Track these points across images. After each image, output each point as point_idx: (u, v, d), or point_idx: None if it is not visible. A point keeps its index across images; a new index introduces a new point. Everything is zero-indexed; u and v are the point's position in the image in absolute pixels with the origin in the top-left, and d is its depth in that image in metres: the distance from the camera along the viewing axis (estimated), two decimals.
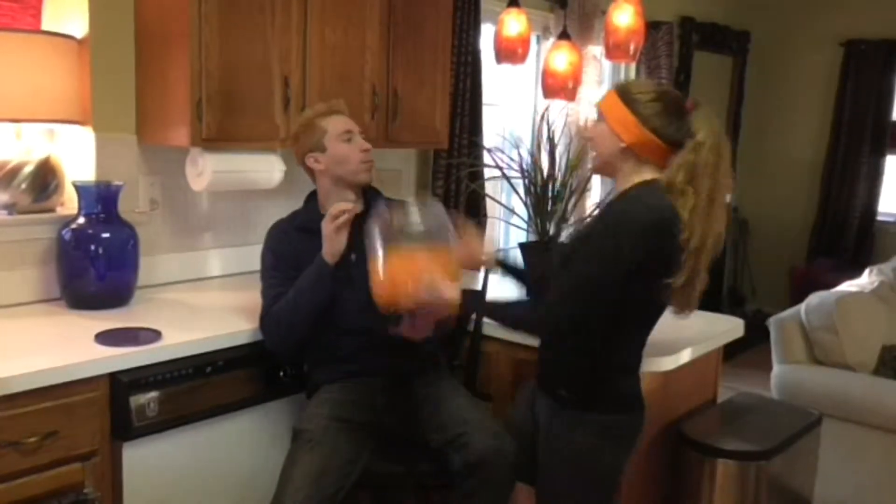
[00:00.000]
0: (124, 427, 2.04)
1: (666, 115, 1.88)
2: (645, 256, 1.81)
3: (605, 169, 2.02)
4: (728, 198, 1.89)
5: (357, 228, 2.25)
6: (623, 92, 1.93)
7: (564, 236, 2.94)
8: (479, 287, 2.65)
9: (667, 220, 1.81)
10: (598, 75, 4.57)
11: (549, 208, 2.95)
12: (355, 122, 2.43)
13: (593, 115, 2.09)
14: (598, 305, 1.85)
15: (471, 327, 2.59)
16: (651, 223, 1.81)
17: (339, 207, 2.24)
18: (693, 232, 1.80)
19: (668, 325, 1.94)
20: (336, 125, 2.36)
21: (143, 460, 2.09)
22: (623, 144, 1.91)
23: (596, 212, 2.09)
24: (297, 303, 2.24)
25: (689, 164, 1.82)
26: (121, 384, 2.02)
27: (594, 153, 2.01)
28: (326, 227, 2.23)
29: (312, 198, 2.45)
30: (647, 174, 1.92)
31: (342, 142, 2.34)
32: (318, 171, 2.37)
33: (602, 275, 1.82)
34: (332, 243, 2.23)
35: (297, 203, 2.48)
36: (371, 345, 2.30)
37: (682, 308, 1.93)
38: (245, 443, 2.31)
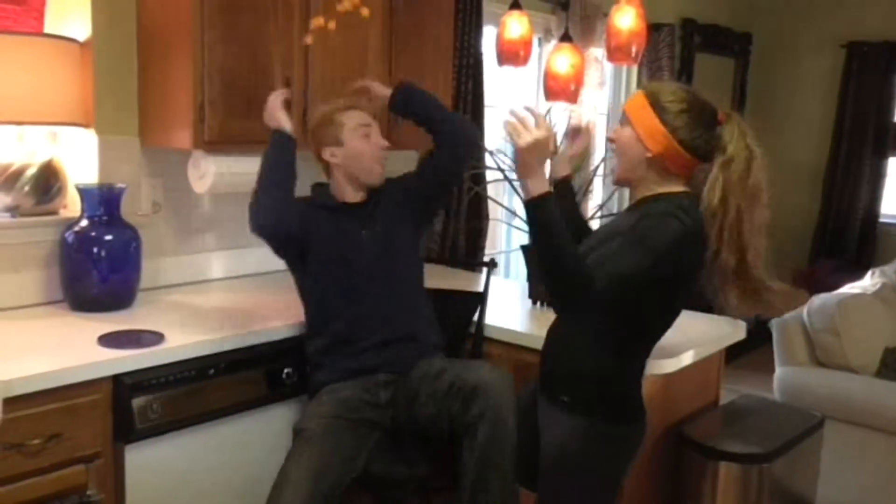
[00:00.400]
0: (127, 429, 2.04)
1: (696, 126, 1.81)
2: (686, 268, 1.80)
3: (628, 176, 1.93)
4: (765, 219, 1.82)
5: (369, 208, 2.39)
6: (653, 97, 1.85)
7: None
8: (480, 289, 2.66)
9: (699, 235, 1.78)
10: (600, 77, 4.58)
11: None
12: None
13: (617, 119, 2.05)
14: (624, 306, 1.82)
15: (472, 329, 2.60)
16: (693, 237, 1.78)
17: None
18: (720, 247, 1.77)
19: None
20: (353, 119, 2.38)
21: (145, 462, 2.10)
22: (649, 154, 1.84)
23: (618, 219, 2.00)
24: (268, 171, 2.33)
25: (719, 182, 1.76)
26: (123, 386, 2.03)
27: (617, 159, 1.93)
28: (271, 100, 2.35)
29: (319, 186, 2.48)
30: (674, 185, 1.86)
31: (359, 137, 2.37)
32: (333, 165, 2.39)
33: (637, 275, 1.77)
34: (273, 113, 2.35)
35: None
36: (374, 341, 2.31)
37: (751, 310, 1.90)
38: (247, 445, 2.31)
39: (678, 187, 1.87)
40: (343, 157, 2.37)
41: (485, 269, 2.74)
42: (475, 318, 2.60)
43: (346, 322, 2.32)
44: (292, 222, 2.32)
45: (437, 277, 2.87)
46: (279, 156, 2.32)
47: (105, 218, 2.46)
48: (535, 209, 1.79)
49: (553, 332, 2.05)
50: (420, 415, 2.20)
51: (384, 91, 2.48)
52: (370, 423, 2.26)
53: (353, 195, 2.41)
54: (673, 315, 1.92)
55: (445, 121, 2.45)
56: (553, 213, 1.78)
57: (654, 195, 1.88)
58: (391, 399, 2.29)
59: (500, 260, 4.48)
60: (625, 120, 1.90)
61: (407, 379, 2.28)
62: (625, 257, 1.77)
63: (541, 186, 1.79)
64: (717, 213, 1.77)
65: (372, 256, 2.35)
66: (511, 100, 4.42)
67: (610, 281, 1.75)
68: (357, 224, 2.37)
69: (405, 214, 2.44)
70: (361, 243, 2.35)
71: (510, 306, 2.87)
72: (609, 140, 2.00)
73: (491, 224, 3.95)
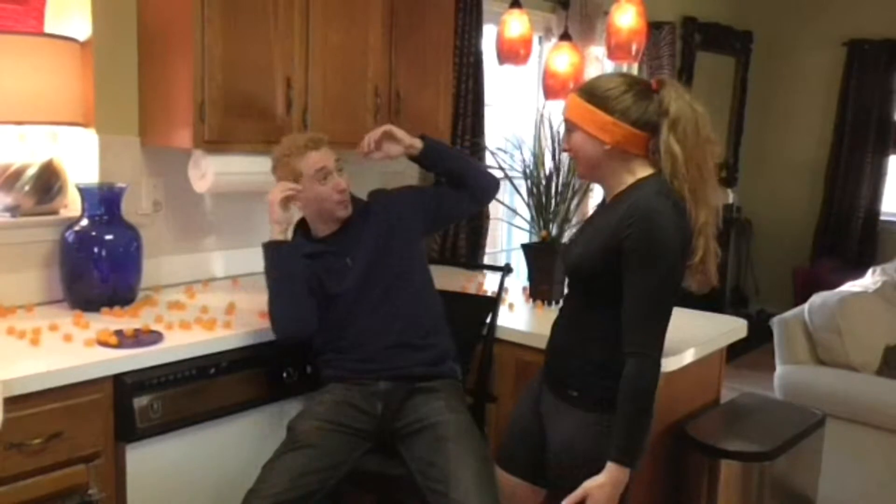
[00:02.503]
0: (128, 428, 2.04)
1: (639, 101, 1.86)
2: (682, 246, 1.84)
3: (594, 174, 1.98)
4: (717, 159, 1.89)
5: (350, 232, 2.35)
6: (588, 94, 1.90)
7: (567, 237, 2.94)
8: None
9: (683, 211, 1.82)
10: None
11: (551, 209, 2.94)
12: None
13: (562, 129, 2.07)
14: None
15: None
16: (678, 223, 1.81)
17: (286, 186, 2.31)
18: (698, 211, 1.82)
19: (671, 325, 1.93)
20: (309, 165, 2.33)
21: (146, 462, 2.10)
22: (607, 147, 1.88)
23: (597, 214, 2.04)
24: (274, 285, 2.29)
25: (671, 147, 1.81)
26: (124, 386, 2.03)
27: (578, 163, 1.98)
28: (273, 195, 2.29)
29: (302, 225, 2.47)
30: (640, 169, 1.90)
31: (317, 182, 2.32)
32: (298, 207, 2.39)
33: (668, 287, 1.82)
34: (275, 212, 2.29)
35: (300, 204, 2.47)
36: (375, 346, 2.31)
37: (703, 284, 1.92)
38: (248, 444, 2.31)
39: (645, 170, 1.90)
40: (304, 201, 2.35)
41: (500, 274, 2.72)
42: (487, 320, 2.59)
43: (349, 341, 2.33)
44: (312, 320, 2.32)
45: (445, 278, 2.87)
46: (279, 270, 2.29)
47: (105, 217, 2.46)
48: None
49: (559, 327, 2.05)
50: (401, 455, 2.22)
51: (408, 139, 2.44)
52: (362, 433, 2.25)
53: (326, 229, 2.40)
54: (676, 296, 1.91)
55: (477, 177, 2.52)
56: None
57: (627, 188, 1.90)
58: (384, 412, 2.27)
59: (501, 259, 4.48)
60: (570, 127, 1.94)
61: (402, 410, 2.26)
62: (643, 277, 1.80)
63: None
64: (682, 177, 1.81)
65: (361, 280, 2.33)
66: (511, 98, 4.43)
67: (659, 318, 1.83)
68: (340, 255, 2.36)
69: (408, 226, 2.42)
70: (346, 273, 2.34)
71: (512, 305, 2.87)
72: (564, 150, 2.06)
73: (492, 223, 3.95)
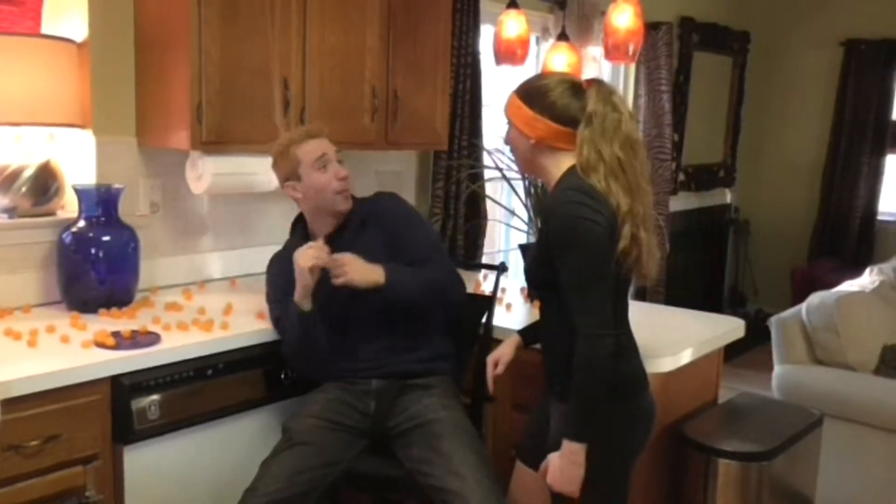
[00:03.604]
0: (125, 430, 2.04)
1: (562, 98, 1.94)
2: (607, 232, 1.87)
3: (529, 169, 2.11)
4: (643, 159, 1.95)
5: (347, 235, 2.33)
6: (523, 94, 1.99)
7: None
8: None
9: (597, 195, 1.87)
10: (598, 76, 4.57)
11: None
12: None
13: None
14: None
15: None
16: (592, 205, 1.85)
17: (311, 259, 2.16)
18: (618, 199, 1.87)
19: (668, 325, 1.94)
20: (308, 152, 2.29)
21: (144, 463, 2.09)
22: (532, 141, 1.97)
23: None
24: (297, 344, 2.26)
25: (588, 138, 1.89)
26: (122, 387, 2.03)
27: (515, 158, 2.11)
28: (303, 260, 2.16)
29: (300, 223, 2.44)
30: (565, 162, 1.96)
31: (317, 170, 2.28)
32: (297, 200, 2.36)
33: (596, 263, 1.86)
34: (303, 277, 2.17)
35: (296, 206, 2.47)
36: (369, 347, 2.32)
37: (639, 277, 1.98)
38: (246, 445, 2.31)
39: (568, 161, 1.96)
40: (304, 191, 2.31)
41: (495, 273, 2.72)
42: (483, 320, 2.59)
43: (342, 342, 2.32)
44: (325, 363, 2.31)
45: None
46: (306, 334, 2.24)
47: (103, 219, 2.46)
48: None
49: (541, 327, 2.12)
50: (398, 457, 2.23)
51: (366, 283, 2.22)
52: (358, 431, 2.26)
53: (324, 226, 2.36)
54: (610, 273, 1.92)
55: (445, 293, 2.34)
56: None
57: (560, 178, 1.96)
58: (377, 410, 2.28)
59: (499, 259, 4.48)
60: (508, 124, 2.04)
61: (404, 409, 2.25)
62: (570, 263, 1.86)
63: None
64: (598, 167, 1.88)
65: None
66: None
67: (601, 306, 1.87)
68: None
69: (402, 249, 2.35)
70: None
71: (510, 305, 2.87)
72: (505, 144, 2.14)
73: (490, 224, 3.95)
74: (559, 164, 1.98)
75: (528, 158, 2.03)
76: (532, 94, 1.98)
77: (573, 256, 1.86)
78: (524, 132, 1.98)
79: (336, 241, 2.31)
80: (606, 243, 1.86)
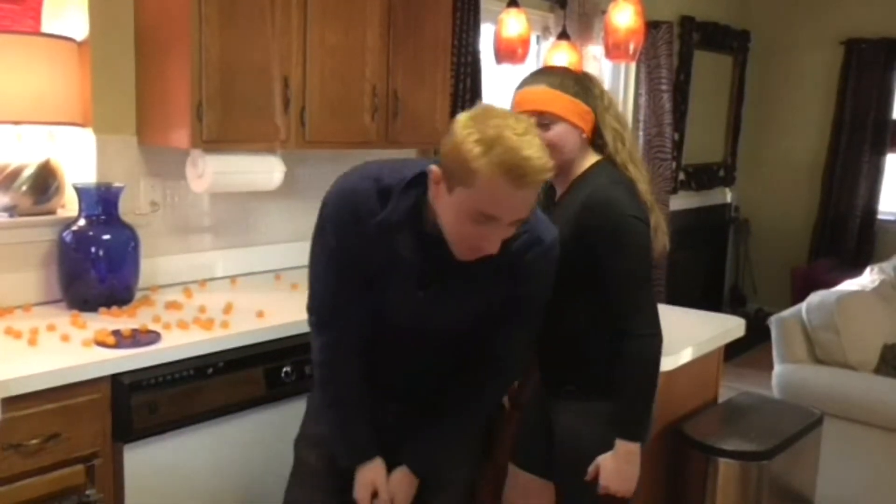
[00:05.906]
0: (126, 429, 2.04)
1: (584, 88, 1.96)
2: (651, 236, 1.91)
3: (566, 168, 1.94)
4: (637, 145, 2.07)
5: (434, 258, 1.71)
6: (561, 87, 1.94)
7: None
8: None
9: (635, 191, 1.91)
10: (598, 75, 4.58)
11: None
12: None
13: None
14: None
15: None
16: (637, 205, 1.88)
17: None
18: (641, 177, 1.95)
19: (668, 324, 1.94)
20: (489, 197, 1.56)
21: (144, 462, 2.09)
22: (584, 135, 1.95)
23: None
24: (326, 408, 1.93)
25: (612, 124, 1.96)
26: (122, 386, 2.03)
27: (555, 157, 1.82)
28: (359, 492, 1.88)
29: (420, 185, 1.71)
30: (590, 156, 1.97)
31: (471, 219, 1.59)
32: (435, 196, 1.67)
33: (646, 265, 1.90)
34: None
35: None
36: (395, 374, 1.95)
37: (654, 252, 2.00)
38: (247, 444, 2.31)
39: (592, 157, 1.97)
40: (441, 208, 1.65)
41: None
42: None
43: (367, 358, 1.90)
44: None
45: None
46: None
47: (103, 217, 2.46)
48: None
49: (546, 325, 2.04)
50: None
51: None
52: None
53: (437, 230, 1.70)
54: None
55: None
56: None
57: (577, 178, 1.96)
58: (395, 426, 1.94)
59: None
60: (549, 120, 1.90)
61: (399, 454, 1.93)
62: (622, 263, 1.85)
63: None
64: (619, 148, 1.95)
65: (422, 315, 1.81)
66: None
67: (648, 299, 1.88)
68: (429, 270, 1.75)
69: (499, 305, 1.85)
70: (413, 295, 1.78)
71: None
72: (549, 146, 1.74)
73: None
74: (586, 157, 1.96)
75: (572, 157, 1.94)
76: (578, 85, 1.94)
77: (625, 257, 1.84)
78: (577, 125, 1.92)
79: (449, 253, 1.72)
80: (650, 240, 1.89)
